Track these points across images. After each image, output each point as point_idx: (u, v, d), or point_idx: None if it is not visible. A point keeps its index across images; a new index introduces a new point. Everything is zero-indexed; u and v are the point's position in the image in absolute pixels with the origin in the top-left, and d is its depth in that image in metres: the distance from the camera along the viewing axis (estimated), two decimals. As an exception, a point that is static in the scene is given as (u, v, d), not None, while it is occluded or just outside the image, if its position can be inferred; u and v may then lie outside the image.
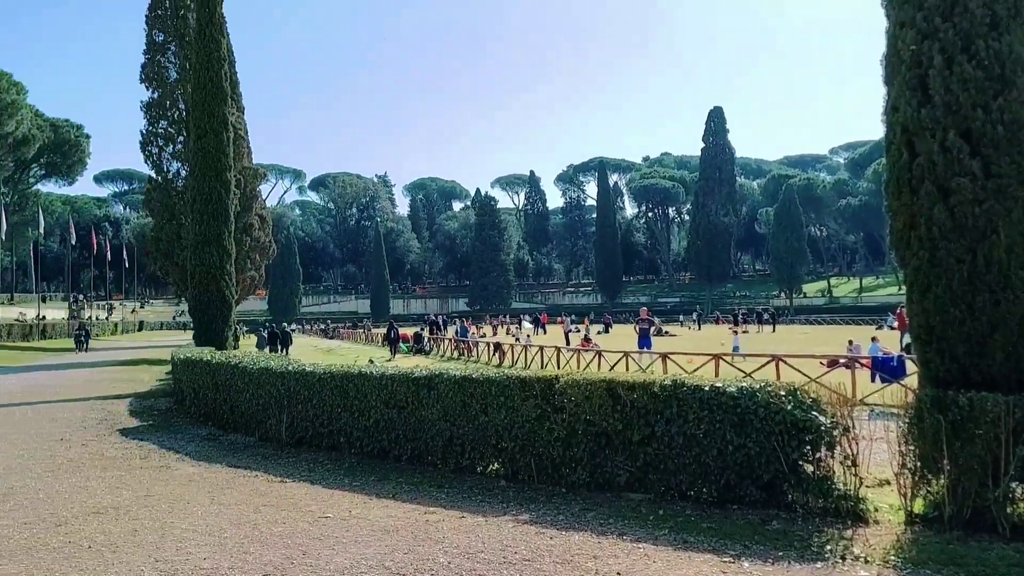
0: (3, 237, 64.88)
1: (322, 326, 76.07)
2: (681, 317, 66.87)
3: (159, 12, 36.07)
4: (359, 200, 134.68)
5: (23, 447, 10.88)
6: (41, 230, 78.90)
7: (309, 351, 37.07)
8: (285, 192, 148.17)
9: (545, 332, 51.57)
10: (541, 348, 25.80)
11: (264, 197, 54.67)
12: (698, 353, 18.57)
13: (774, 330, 48.16)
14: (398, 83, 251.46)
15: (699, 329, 52.48)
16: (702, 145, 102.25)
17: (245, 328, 41.43)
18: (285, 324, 45.26)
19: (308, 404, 10.67)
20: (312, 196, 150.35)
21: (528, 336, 39.30)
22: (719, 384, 7.05)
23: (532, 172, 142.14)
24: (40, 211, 75.99)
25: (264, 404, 11.52)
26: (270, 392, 11.37)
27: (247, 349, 23.32)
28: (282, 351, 30.89)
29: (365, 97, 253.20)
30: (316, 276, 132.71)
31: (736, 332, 32.18)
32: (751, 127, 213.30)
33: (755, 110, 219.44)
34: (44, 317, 64.52)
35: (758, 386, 6.89)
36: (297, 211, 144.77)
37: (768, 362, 15.78)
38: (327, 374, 10.48)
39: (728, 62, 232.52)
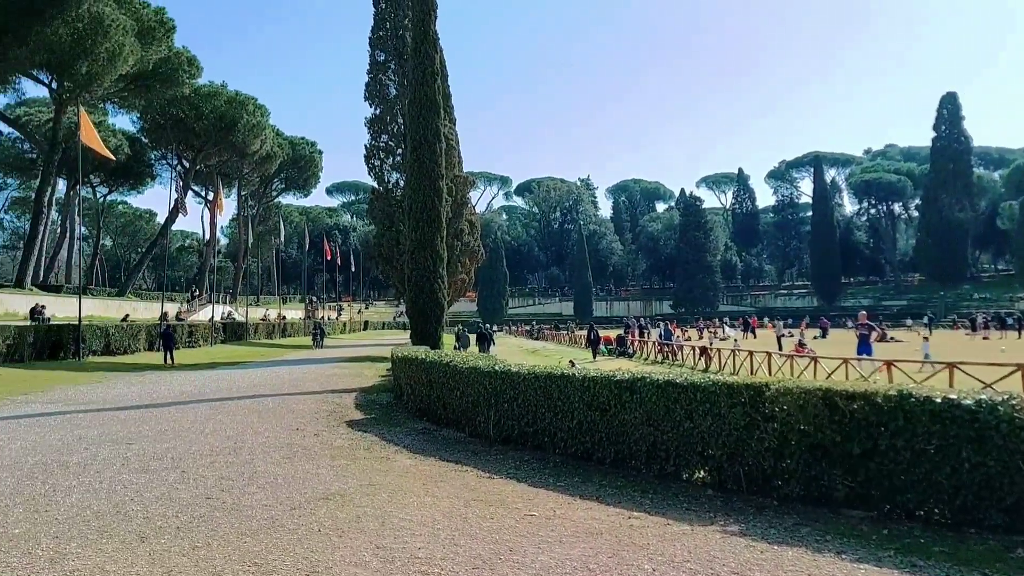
0: (251, 245, 72.64)
1: (527, 327, 78.02)
2: (909, 321, 61.62)
3: (380, 34, 38.73)
4: (563, 204, 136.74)
5: (267, 435, 12.08)
6: (282, 238, 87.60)
7: (515, 351, 38.12)
8: (493, 198, 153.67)
9: (755, 336, 49.52)
10: (751, 353, 24.81)
11: (473, 203, 56.95)
12: (926, 361, 16.99)
13: (1020, 336, 43.06)
14: (600, 86, 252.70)
15: (930, 334, 48.09)
16: (932, 135, 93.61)
17: (464, 327, 43.43)
18: (488, 325, 46.93)
19: (513, 403, 10.98)
20: (518, 201, 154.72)
21: (736, 341, 37.91)
22: (953, 396, 6.41)
23: (740, 170, 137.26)
24: (281, 221, 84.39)
25: (473, 402, 12.00)
26: (478, 391, 11.83)
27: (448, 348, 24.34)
28: (485, 350, 32.01)
29: (568, 102, 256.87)
30: (522, 279, 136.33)
31: (926, 338, 29.09)
32: (990, 114, 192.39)
33: (995, 96, 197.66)
34: (285, 317, 71.44)
35: (1000, 399, 6.18)
36: (504, 216, 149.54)
37: (1013, 371, 14.13)
38: (531, 375, 10.73)
39: (960, 45, 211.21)
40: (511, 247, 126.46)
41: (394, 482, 8.64)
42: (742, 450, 7.77)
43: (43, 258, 55.60)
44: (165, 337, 31.96)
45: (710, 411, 8.04)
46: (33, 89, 53.90)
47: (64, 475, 8.87)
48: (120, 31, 41.59)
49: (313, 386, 20.85)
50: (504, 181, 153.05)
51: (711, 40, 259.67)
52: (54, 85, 47.66)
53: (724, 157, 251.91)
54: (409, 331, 30.77)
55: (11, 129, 62.26)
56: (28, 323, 31.99)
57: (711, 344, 32.46)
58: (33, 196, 57.52)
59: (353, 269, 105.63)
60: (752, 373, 22.41)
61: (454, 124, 40.86)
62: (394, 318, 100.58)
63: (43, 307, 36.17)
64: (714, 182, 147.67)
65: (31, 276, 48.20)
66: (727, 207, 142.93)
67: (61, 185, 60.96)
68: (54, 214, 60.70)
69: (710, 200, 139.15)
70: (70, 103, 45.61)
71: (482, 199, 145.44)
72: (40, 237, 50.63)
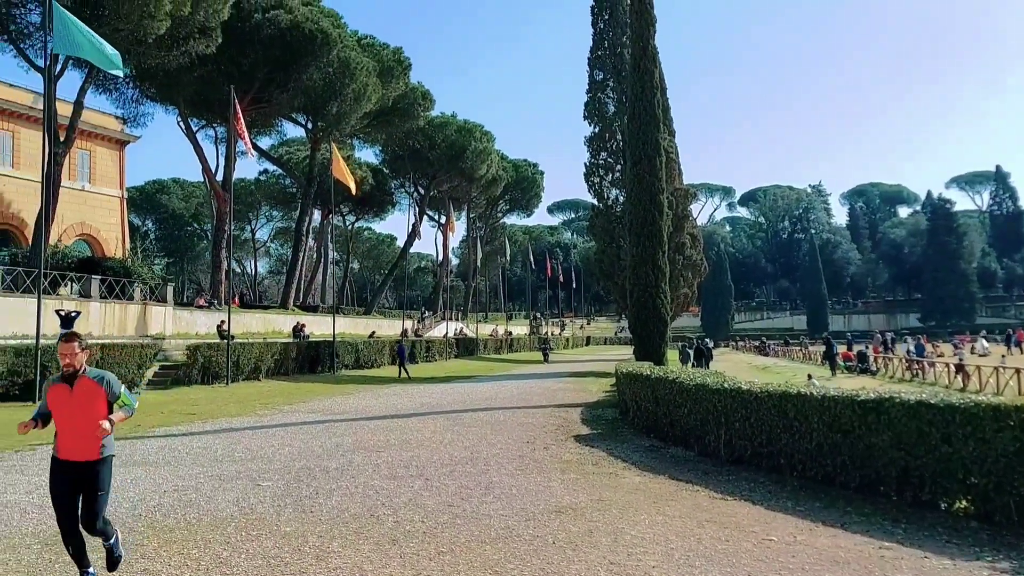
0: (480, 265, 76.24)
1: (756, 343, 74.83)
2: None
3: (599, 53, 39.29)
4: (791, 212, 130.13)
5: (500, 447, 12.59)
6: (507, 257, 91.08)
7: (743, 368, 36.66)
8: (715, 210, 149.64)
9: (1022, 351, 43.96)
10: (1018, 371, 22.08)
11: (694, 216, 55.76)
12: None
13: None
14: (828, 86, 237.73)
15: None
16: None
17: (687, 343, 42.72)
18: (708, 340, 45.67)
19: (745, 422, 10.59)
20: (742, 212, 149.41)
21: (1003, 357, 33.86)
22: None
23: (998, 168, 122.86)
24: (506, 241, 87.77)
25: (702, 420, 11.73)
26: (707, 408, 11.54)
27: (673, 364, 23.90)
28: (703, 366, 31.16)
29: (791, 106, 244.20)
30: (748, 292, 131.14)
31: None
32: None
33: None
34: (511, 333, 74.01)
35: None
36: (727, 228, 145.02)
37: None
38: (764, 393, 10.29)
39: None
40: (736, 259, 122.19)
41: (624, 498, 8.66)
42: (1012, 478, 6.94)
43: (302, 281, 61.99)
44: (399, 352, 34.39)
45: (972, 435, 7.28)
46: (292, 130, 60.53)
47: (325, 479, 9.81)
48: (364, 72, 45.57)
49: (540, 400, 21.41)
50: (726, 191, 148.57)
51: (962, 27, 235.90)
52: (309, 125, 53.20)
53: (978, 155, 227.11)
54: (632, 347, 30.68)
55: (275, 167, 70.39)
56: (291, 340, 35.77)
57: (966, 360, 29.27)
58: (293, 226, 64.50)
59: (574, 285, 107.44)
60: (1021, 393, 19.93)
61: (673, 136, 40.37)
62: (616, 333, 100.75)
63: (303, 325, 40.29)
64: (967, 182, 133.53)
65: (293, 298, 53.92)
66: (983, 209, 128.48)
67: (316, 215, 67.68)
68: (311, 241, 67.54)
69: (963, 202, 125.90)
70: (323, 141, 50.64)
71: (703, 211, 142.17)
72: (300, 263, 56.55)
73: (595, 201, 40.42)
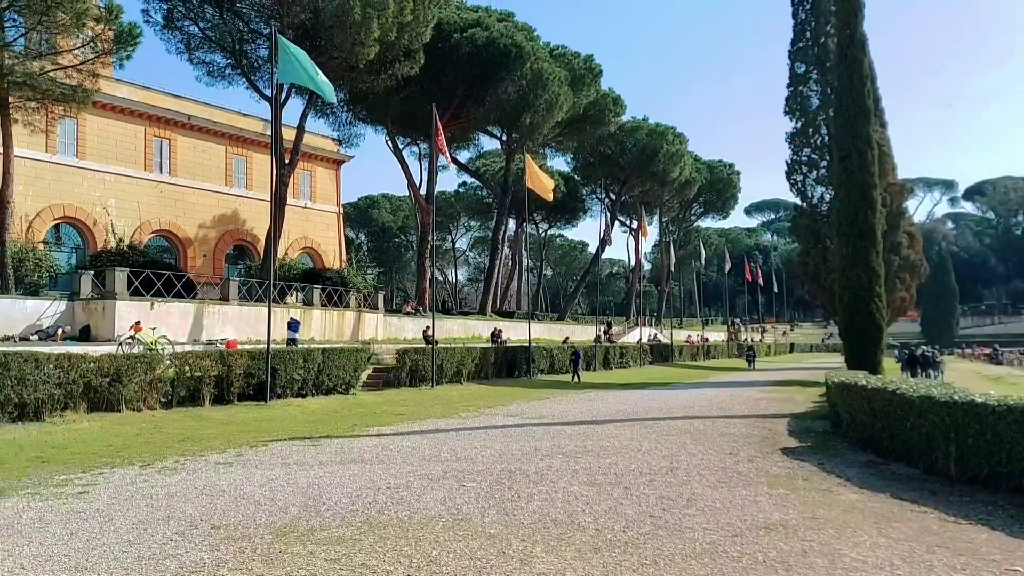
0: (673, 269, 74.88)
1: (986, 350, 67.73)
2: None
3: (800, 45, 37.34)
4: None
5: (700, 457, 12.23)
6: (702, 261, 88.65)
7: (972, 378, 33.32)
8: (935, 205, 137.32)
9: None
10: None
11: (911, 213, 51.40)
12: None
13: None
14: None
15: None
16: None
17: (905, 350, 39.50)
18: (930, 348, 41.72)
19: (980, 439, 9.55)
20: (966, 207, 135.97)
21: None
22: None
23: None
24: (701, 244, 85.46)
25: (927, 435, 10.72)
26: (933, 422, 10.53)
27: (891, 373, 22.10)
28: (922, 375, 28.54)
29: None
30: (975, 295, 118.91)
31: None
32: None
33: None
34: (708, 339, 71.96)
35: None
36: (949, 224, 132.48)
37: None
38: (1003, 407, 9.23)
39: None
40: (960, 259, 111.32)
41: (840, 517, 8.09)
42: None
43: (499, 288, 63.94)
44: (574, 358, 34.49)
45: None
46: (488, 143, 62.63)
47: (525, 483, 9.98)
48: (556, 82, 46.27)
49: (741, 409, 20.59)
50: (948, 185, 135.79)
51: None
52: (504, 137, 54.83)
53: None
54: (841, 354, 28.76)
55: (473, 179, 73.29)
56: (489, 345, 36.93)
57: None
58: (490, 235, 66.74)
59: (776, 289, 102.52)
60: None
61: (885, 128, 37.50)
62: (823, 340, 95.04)
63: (501, 331, 41.49)
64: None
65: (491, 304, 55.74)
66: None
67: (511, 224, 69.52)
68: (506, 249, 69.46)
69: None
70: (517, 151, 51.98)
71: (921, 208, 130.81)
72: (496, 270, 58.37)
73: (798, 200, 38.42)
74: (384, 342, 34.11)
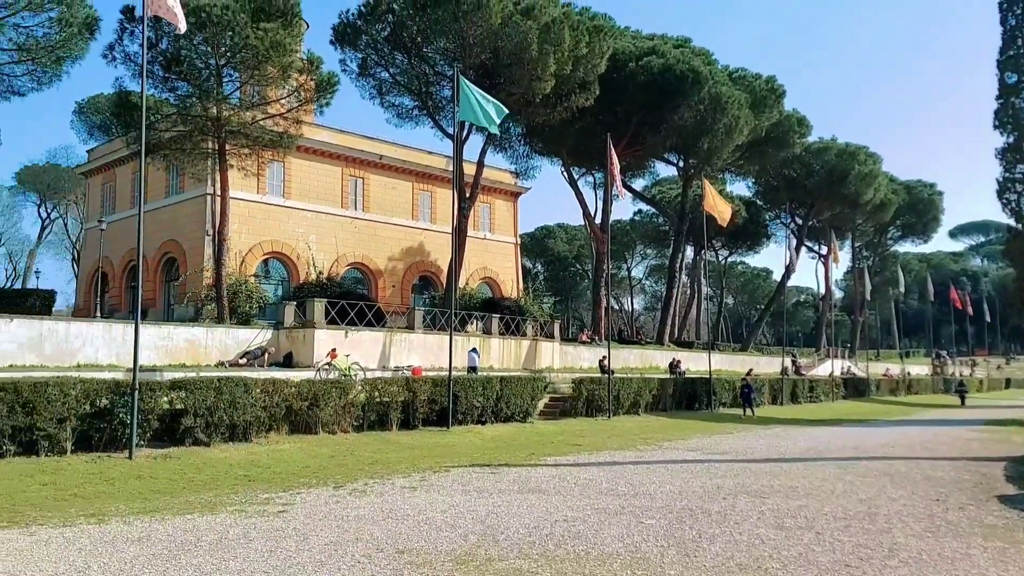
0: (868, 297, 70.09)
1: None
2: None
3: (1011, 54, 34.06)
4: None
5: (902, 502, 11.23)
6: (900, 288, 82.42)
7: None
8: None
9: None
10: None
11: None
12: None
13: None
14: None
15: None
16: None
17: None
18: None
19: None
20: None
21: None
22: None
23: None
24: (899, 270, 79.54)
25: None
26: None
27: None
28: None
29: None
30: None
31: None
32: None
33: None
34: (908, 372, 66.57)
35: None
36: None
37: None
38: None
39: None
40: None
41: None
42: None
43: (676, 317, 62.59)
44: (745, 391, 32.90)
45: None
46: (664, 170, 61.87)
47: (707, 522, 9.58)
48: (735, 106, 45.03)
49: (949, 451, 18.78)
50: None
51: None
52: (680, 163, 53.96)
53: None
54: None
55: (648, 207, 72.60)
56: (667, 376, 36.16)
57: None
58: (667, 263, 65.66)
59: (987, 319, 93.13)
60: None
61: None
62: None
63: (679, 361, 40.53)
64: None
65: (668, 333, 54.66)
66: None
67: (689, 251, 68.05)
68: (684, 277, 67.99)
69: None
70: (694, 178, 50.97)
71: None
72: (674, 299, 57.23)
73: (1011, 221, 34.82)
74: (560, 371, 34.30)
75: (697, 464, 15.63)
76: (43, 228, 69.59)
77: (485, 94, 23.89)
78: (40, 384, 13.86)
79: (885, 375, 61.18)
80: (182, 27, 16.85)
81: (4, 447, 13.18)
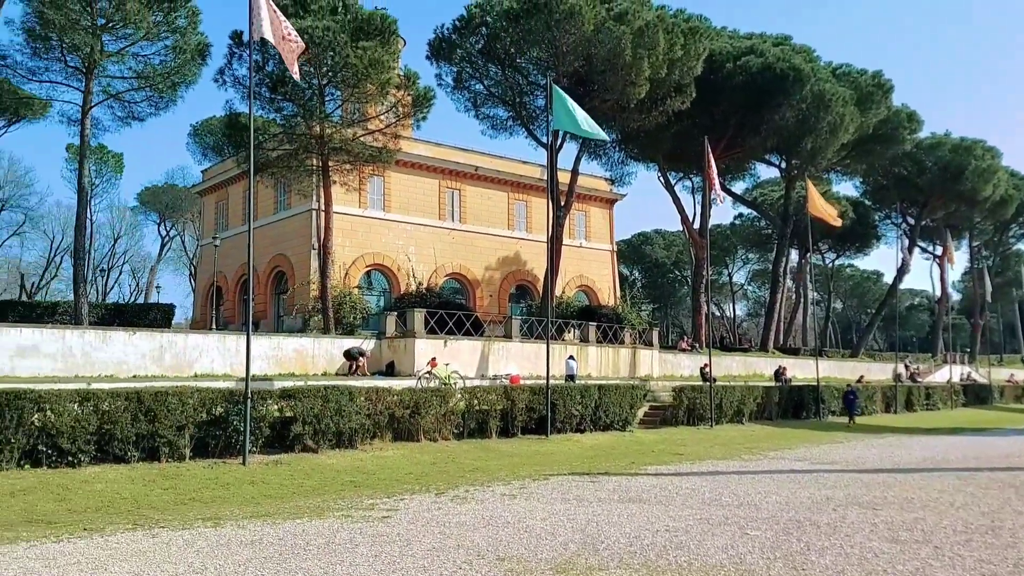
0: (989, 299, 66.10)
1: None
2: None
3: None
4: None
5: (1030, 518, 10.52)
6: (1024, 289, 77.25)
7: None
8: None
9: None
10: None
11: None
12: None
13: None
14: None
15: None
16: None
17: None
18: None
19: None
20: None
21: None
22: None
23: None
24: (1022, 270, 74.65)
25: None
26: None
27: None
28: None
29: None
30: None
31: None
32: None
33: None
34: (1037, 379, 62.34)
35: None
36: None
37: None
38: None
39: None
40: None
41: None
42: None
43: (781, 323, 60.69)
44: (848, 398, 31.44)
45: None
46: (765, 171, 60.22)
47: (816, 535, 9.23)
48: (840, 103, 43.43)
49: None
50: None
51: None
52: (782, 165, 52.42)
53: None
54: None
55: (749, 210, 70.83)
56: (772, 384, 35.09)
57: None
58: (770, 267, 63.81)
59: None
60: None
61: None
62: None
63: (784, 369, 39.27)
64: None
65: (772, 340, 53.06)
66: None
67: (793, 255, 65.94)
68: (788, 282, 65.89)
69: None
70: (797, 178, 49.39)
71: None
72: (778, 304, 55.52)
73: None
74: (659, 379, 33.81)
75: (805, 474, 15.09)
76: (163, 245, 73.82)
77: (576, 104, 23.90)
78: (161, 393, 14.67)
79: (1009, 381, 57.50)
80: (289, 61, 17.16)
81: (129, 453, 14.00)
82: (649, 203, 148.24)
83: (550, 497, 11.90)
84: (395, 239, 39.20)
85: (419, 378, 24.56)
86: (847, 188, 68.55)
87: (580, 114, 23.11)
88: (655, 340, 37.89)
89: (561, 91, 23.68)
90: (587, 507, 10.96)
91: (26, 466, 12.91)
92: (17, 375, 20.65)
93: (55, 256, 66.59)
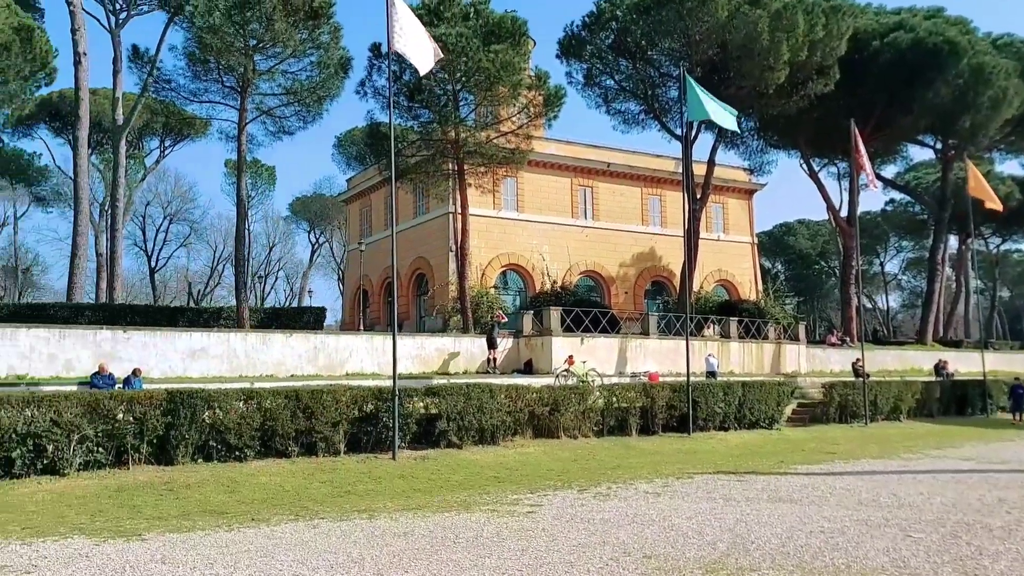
0: None
1: None
2: None
3: None
4: None
5: None
6: None
7: None
8: None
9: None
10: None
11: None
12: None
13: None
14: None
15: None
16: None
17: None
18: None
19: None
20: None
21: None
22: None
23: None
24: None
25: None
26: None
27: None
28: None
29: None
30: None
31: None
32: None
33: None
34: None
35: None
36: None
37: None
38: None
39: None
40: None
41: None
42: None
43: (940, 314, 56.66)
44: (1016, 393, 28.71)
45: None
46: (918, 153, 56.49)
47: (988, 538, 8.62)
48: (1002, 75, 40.07)
49: None
50: None
51: None
52: (937, 145, 48.92)
53: None
54: None
55: (901, 195, 66.48)
56: (932, 379, 32.90)
57: None
58: (926, 255, 59.73)
59: None
60: None
61: None
62: None
63: (945, 362, 36.70)
64: None
65: (931, 332, 49.64)
66: None
67: (952, 241, 61.50)
68: (947, 270, 61.53)
69: None
70: (955, 159, 45.99)
71: None
72: (936, 294, 51.87)
73: None
74: (807, 375, 32.40)
75: (973, 475, 14.08)
76: (313, 252, 77.87)
77: (710, 94, 23.31)
78: (317, 392, 15.53)
79: None
80: (423, 68, 17.71)
81: (290, 448, 14.90)
82: (791, 192, 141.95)
83: (695, 496, 11.69)
84: (529, 239, 39.56)
85: (557, 376, 24.70)
86: (1012, 167, 63.23)
87: (714, 103, 22.53)
88: (801, 335, 36.34)
89: (694, 81, 23.16)
90: (735, 506, 10.70)
91: (199, 460, 14.00)
92: (189, 376, 22.38)
93: (218, 264, 71.82)
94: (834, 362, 37.02)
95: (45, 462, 12.55)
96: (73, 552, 7.85)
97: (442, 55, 18.46)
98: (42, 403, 12.72)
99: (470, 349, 28.61)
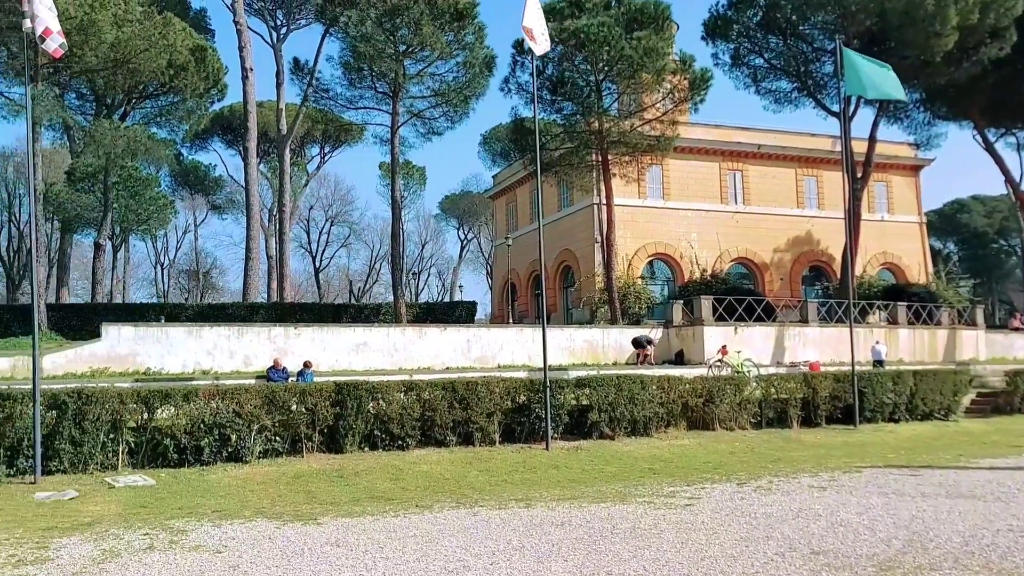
0: None
1: None
2: None
3: None
4: None
5: None
6: None
7: None
8: None
9: None
10: None
11: None
12: None
13: None
14: None
15: None
16: None
17: None
18: None
19: None
20: None
21: None
22: None
23: None
24: None
25: None
26: None
27: None
28: None
29: None
30: None
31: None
32: None
33: None
34: None
35: None
36: None
37: None
38: None
39: None
40: None
41: None
42: None
43: None
44: None
45: None
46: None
47: None
48: None
49: None
50: None
51: None
52: None
53: None
54: None
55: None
56: None
57: None
58: None
59: None
60: None
61: None
62: None
63: None
64: None
65: None
66: None
67: None
68: None
69: None
70: None
71: None
72: None
73: None
74: (987, 362, 29.92)
75: None
76: (462, 247, 79.98)
77: (875, 60, 21.88)
78: (471, 383, 15.96)
79: None
80: (539, 50, 17.63)
81: (448, 438, 15.40)
82: (963, 167, 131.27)
83: (864, 490, 11.11)
84: (676, 227, 38.78)
85: (710, 366, 24.13)
86: None
87: (876, 75, 21.16)
88: (979, 319, 33.59)
89: (852, 53, 21.86)
90: (909, 502, 10.08)
91: (365, 448, 14.75)
92: (354, 368, 23.64)
93: (375, 263, 75.24)
94: (1018, 348, 34.04)
95: (229, 450, 13.62)
96: (258, 534, 8.49)
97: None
98: (226, 395, 13.82)
99: (619, 340, 28.48)
